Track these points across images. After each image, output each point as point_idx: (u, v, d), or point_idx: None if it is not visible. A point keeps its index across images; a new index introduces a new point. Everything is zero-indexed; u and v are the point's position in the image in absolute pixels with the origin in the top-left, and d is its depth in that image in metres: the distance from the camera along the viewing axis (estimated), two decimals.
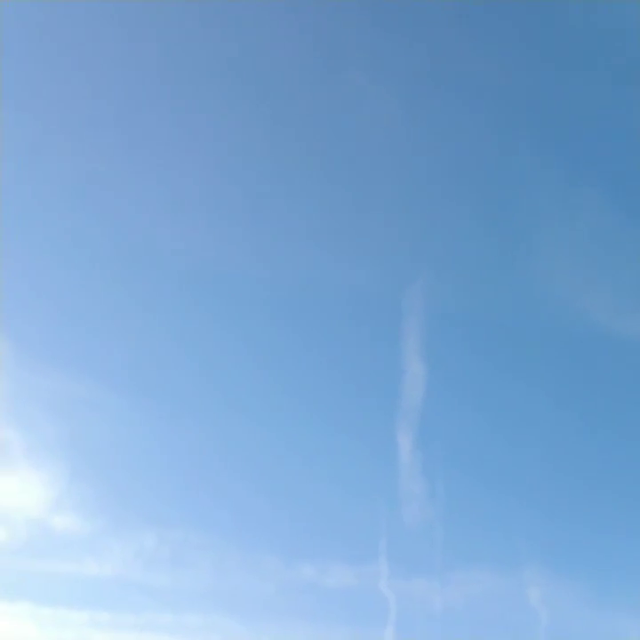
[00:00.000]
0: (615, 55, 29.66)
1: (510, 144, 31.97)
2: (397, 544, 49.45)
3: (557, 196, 33.82)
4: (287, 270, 35.11)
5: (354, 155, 33.56)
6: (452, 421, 59.86)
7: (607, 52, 29.74)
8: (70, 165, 29.10)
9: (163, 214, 30.80)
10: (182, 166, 30.75)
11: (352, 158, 33.16)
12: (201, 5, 28.21)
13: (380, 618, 50.03)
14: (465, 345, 57.53)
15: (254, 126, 30.27)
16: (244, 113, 30.64)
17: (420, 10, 29.96)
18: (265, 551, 43.99)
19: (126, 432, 31.21)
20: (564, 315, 53.15)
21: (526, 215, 39.14)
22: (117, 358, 30.20)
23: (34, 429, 28.93)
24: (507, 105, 30.44)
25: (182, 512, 33.44)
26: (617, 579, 46.38)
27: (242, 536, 44.23)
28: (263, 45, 29.75)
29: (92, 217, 29.98)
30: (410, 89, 30.61)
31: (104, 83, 29.53)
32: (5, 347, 26.24)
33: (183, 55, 30.09)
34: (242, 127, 30.65)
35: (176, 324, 33.88)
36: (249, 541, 43.26)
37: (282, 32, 29.08)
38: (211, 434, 36.06)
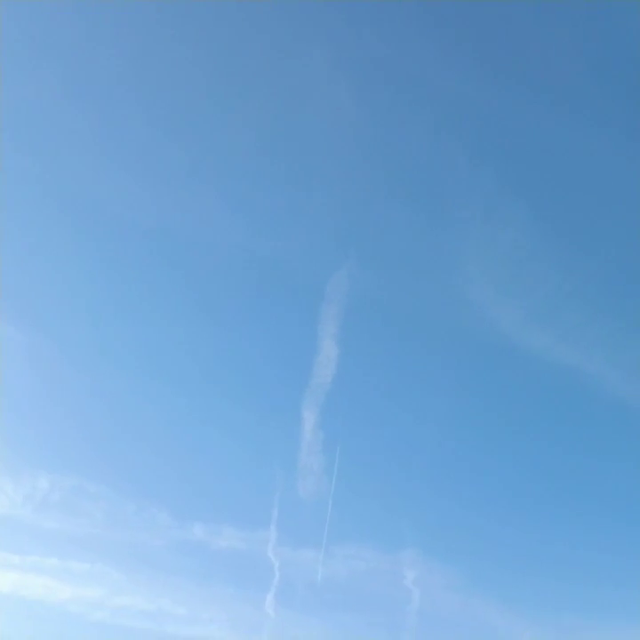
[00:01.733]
0: (550, 71, 31.12)
1: (451, 152, 33.06)
2: (289, 514, 49.77)
3: (487, 207, 35.18)
4: (215, 239, 35.34)
5: (299, 134, 33.73)
6: (356, 404, 59.73)
7: (544, 67, 31.17)
8: None
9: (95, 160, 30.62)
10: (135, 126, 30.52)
11: (297, 138, 33.39)
12: None
13: (264, 582, 50.15)
14: (379, 334, 58.07)
15: (205, 91, 30.31)
16: (201, 79, 30.67)
17: (388, 8, 30.61)
18: (159, 508, 43.84)
19: (24, 374, 30.80)
20: (474, 320, 54.78)
21: (456, 221, 40.32)
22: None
23: None
24: (452, 111, 31.43)
25: (78, 461, 33.03)
26: (486, 568, 49.05)
27: (137, 491, 43.85)
28: (235, 21, 29.95)
29: None
30: (366, 82, 31.07)
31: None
32: None
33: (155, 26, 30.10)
34: (191, 89, 30.71)
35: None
36: (143, 497, 43.12)
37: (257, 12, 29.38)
38: (115, 390, 35.88)
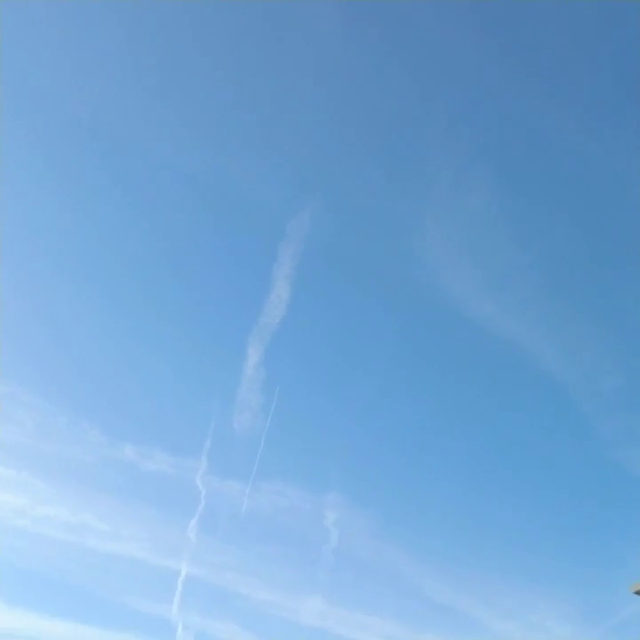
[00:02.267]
0: (540, 49, 30.81)
1: (432, 109, 32.50)
2: (221, 446, 50.03)
3: (457, 170, 34.97)
4: (178, 160, 34.39)
5: (281, 65, 32.53)
6: (301, 347, 59.48)
7: (534, 44, 30.79)
8: None
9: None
10: None
11: (278, 68, 32.25)
12: None
13: (189, 508, 50.48)
14: (332, 281, 57.50)
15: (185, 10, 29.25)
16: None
17: None
18: (91, 424, 43.39)
19: None
20: (426, 280, 54.57)
21: (424, 180, 40.09)
22: None
23: None
24: (440, 70, 30.79)
25: (12, 368, 32.47)
26: (402, 518, 48.84)
27: (70, 405, 43.22)
28: None
29: None
30: (357, 20, 30.08)
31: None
32: None
33: None
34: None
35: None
36: (76, 412, 42.66)
37: None
38: (56, 301, 35.12)
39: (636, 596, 11.87)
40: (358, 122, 34.52)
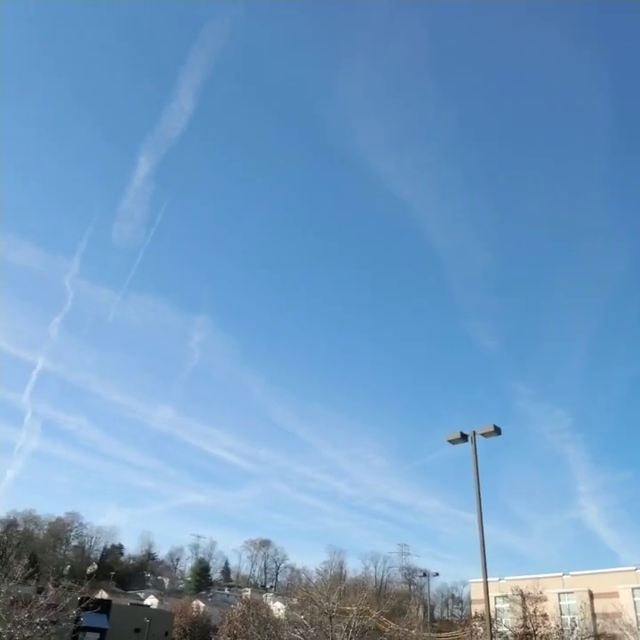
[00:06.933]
0: None
1: None
2: (96, 252, 56.65)
3: (393, 14, 38.29)
4: None
5: None
6: (196, 165, 66.42)
7: None
8: None
9: None
10: None
11: None
12: None
13: (54, 308, 56.48)
14: (240, 101, 62.85)
15: None
16: None
17: None
18: None
19: None
20: (334, 122, 61.72)
21: (358, 16, 42.26)
22: None
23: None
24: None
25: None
26: (259, 346, 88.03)
27: None
28: None
29: None
30: None
31: None
32: None
33: None
34: None
35: None
36: None
37: None
38: None
39: (449, 443, 14.73)
40: None
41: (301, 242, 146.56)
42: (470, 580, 39.34)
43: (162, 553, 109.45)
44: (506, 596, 33.27)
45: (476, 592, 35.86)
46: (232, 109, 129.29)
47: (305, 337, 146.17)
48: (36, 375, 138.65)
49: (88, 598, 27.15)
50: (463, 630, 35.85)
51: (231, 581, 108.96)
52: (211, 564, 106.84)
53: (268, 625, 34.07)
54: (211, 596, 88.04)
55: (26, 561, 22.73)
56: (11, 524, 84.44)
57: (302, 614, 29.48)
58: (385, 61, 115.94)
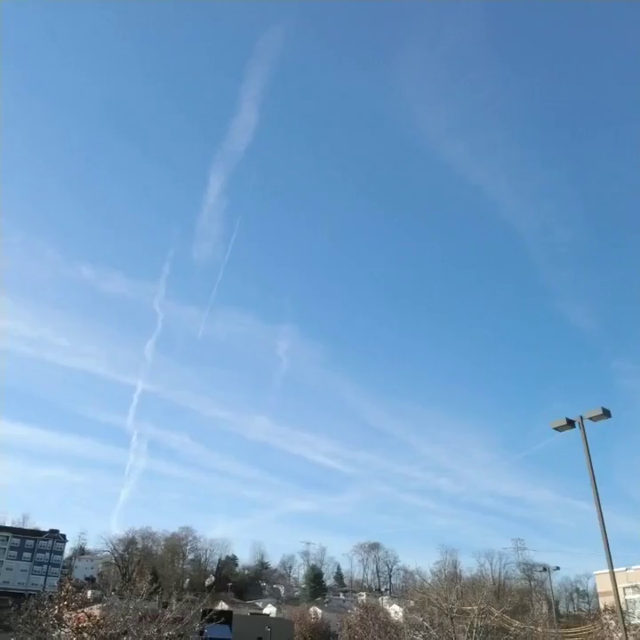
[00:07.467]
0: None
1: None
2: (180, 273, 59.61)
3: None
4: None
5: None
6: (267, 177, 69.26)
7: None
8: None
9: None
10: None
11: None
12: None
13: (146, 330, 60.85)
14: (302, 108, 65.18)
15: None
16: None
17: None
18: (47, 242, 50.67)
19: None
20: (398, 115, 62.52)
21: (409, 6, 42.74)
22: None
23: None
24: None
25: None
26: (349, 352, 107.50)
27: (26, 222, 51.12)
28: None
29: None
30: None
31: None
32: None
33: None
34: None
35: None
36: (31, 229, 50.28)
37: None
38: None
39: (555, 431, 14.02)
40: None
41: (379, 239, 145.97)
42: (594, 572, 37.54)
43: (274, 561, 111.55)
44: (636, 585, 31.45)
45: (603, 584, 34.17)
46: (293, 117, 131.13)
47: (388, 330, 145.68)
48: (137, 397, 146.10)
49: (211, 610, 28.03)
50: (594, 625, 34.20)
51: (345, 586, 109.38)
52: (323, 570, 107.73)
53: (389, 628, 33.86)
54: (327, 602, 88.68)
55: (149, 577, 23.75)
56: (130, 543, 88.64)
57: (421, 616, 29.12)
58: (442, 48, 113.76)
